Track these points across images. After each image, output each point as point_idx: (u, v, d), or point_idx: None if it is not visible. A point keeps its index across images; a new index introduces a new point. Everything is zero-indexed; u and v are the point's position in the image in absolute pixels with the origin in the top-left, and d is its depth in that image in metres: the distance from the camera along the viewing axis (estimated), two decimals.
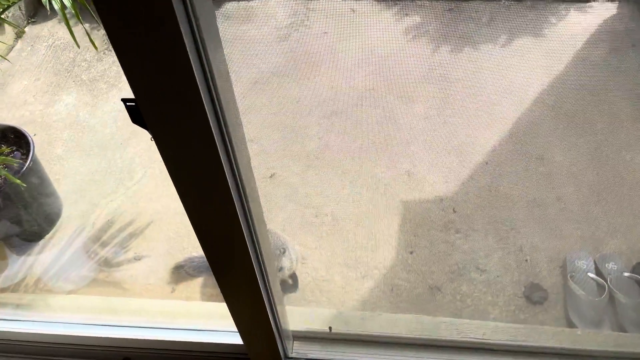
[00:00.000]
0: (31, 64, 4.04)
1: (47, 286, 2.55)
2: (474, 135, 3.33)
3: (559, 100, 3.44)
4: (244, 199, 1.14)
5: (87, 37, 2.19)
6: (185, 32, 0.76)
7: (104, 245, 2.79)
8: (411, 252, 2.83)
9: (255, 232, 1.25)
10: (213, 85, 0.91)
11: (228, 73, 1.01)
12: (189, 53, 0.78)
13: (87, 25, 3.71)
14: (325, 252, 2.85)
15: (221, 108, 0.96)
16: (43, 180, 2.80)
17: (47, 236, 2.80)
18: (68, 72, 3.90)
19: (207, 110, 0.90)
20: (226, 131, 0.99)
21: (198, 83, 0.84)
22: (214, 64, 0.89)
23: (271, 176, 3.18)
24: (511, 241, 2.82)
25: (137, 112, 0.96)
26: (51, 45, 4.18)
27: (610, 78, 3.52)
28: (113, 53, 2.38)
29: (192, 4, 0.77)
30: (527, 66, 3.66)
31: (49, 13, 4.29)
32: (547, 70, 3.59)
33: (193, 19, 0.78)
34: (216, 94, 0.93)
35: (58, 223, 2.87)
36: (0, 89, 3.85)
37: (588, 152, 3.18)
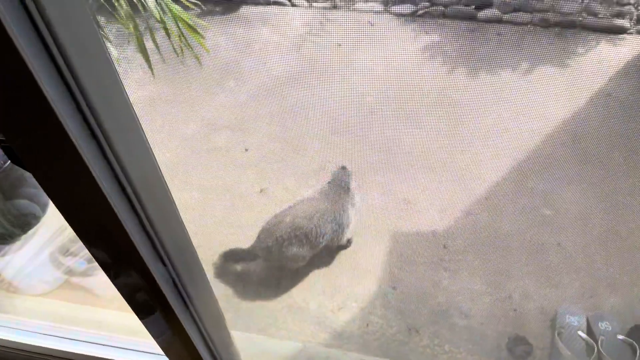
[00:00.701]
0: None
1: (17, 288, 2.53)
2: (480, 165, 3.16)
3: (576, 136, 3.24)
4: (151, 233, 1.04)
5: None
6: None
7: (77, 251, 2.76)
8: (394, 288, 2.69)
9: (169, 260, 1.14)
10: (93, 117, 0.80)
11: (122, 93, 0.89)
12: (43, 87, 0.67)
13: None
14: (305, 277, 2.75)
15: (109, 142, 0.85)
16: (25, 179, 2.78)
17: (24, 236, 2.78)
18: None
19: (82, 155, 0.80)
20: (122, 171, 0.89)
21: (63, 119, 0.73)
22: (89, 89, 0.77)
23: (261, 191, 3.09)
24: (501, 286, 2.65)
25: (12, 151, 0.87)
26: None
27: (635, 119, 3.29)
28: None
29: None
30: (546, 97, 3.45)
31: None
32: (568, 103, 3.38)
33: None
34: (98, 125, 0.81)
35: (39, 224, 2.85)
36: None
37: (598, 197, 2.97)
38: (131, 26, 2.15)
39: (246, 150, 3.28)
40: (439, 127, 3.34)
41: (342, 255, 2.82)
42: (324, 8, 4.09)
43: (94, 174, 0.82)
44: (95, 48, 0.77)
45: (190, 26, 2.35)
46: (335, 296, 2.66)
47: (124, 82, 0.86)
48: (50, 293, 2.62)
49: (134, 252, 1.00)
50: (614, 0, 3.85)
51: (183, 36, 2.32)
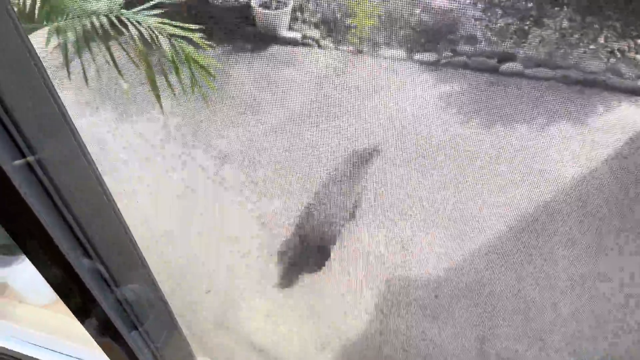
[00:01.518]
0: None
1: (24, 298, 2.69)
2: (483, 219, 3.15)
3: (586, 199, 3.18)
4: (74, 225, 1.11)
5: None
6: None
7: None
8: (380, 334, 2.70)
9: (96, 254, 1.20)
10: None
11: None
12: None
13: None
14: (292, 313, 2.79)
15: None
16: None
17: None
18: None
19: None
20: None
21: None
22: None
23: (263, 225, 3.19)
24: (488, 345, 2.61)
25: None
26: None
27: None
28: None
29: None
30: (561, 154, 3.42)
31: None
32: (582, 164, 3.33)
33: None
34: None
35: None
36: None
37: (601, 264, 2.90)
38: (144, 64, 2.32)
39: (255, 183, 3.39)
40: (447, 175, 3.36)
41: (332, 298, 2.85)
42: (349, 52, 4.21)
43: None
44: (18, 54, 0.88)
45: (202, 66, 2.51)
46: (318, 338, 2.69)
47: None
48: (55, 303, 2.77)
49: (51, 243, 1.07)
50: None
51: (194, 77, 2.48)
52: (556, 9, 4.13)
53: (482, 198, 3.22)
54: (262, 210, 3.25)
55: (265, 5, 4.27)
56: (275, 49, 4.31)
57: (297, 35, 4.31)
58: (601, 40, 3.93)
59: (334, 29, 4.36)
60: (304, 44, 4.31)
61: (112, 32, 2.32)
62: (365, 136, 3.58)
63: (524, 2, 4.27)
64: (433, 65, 4.03)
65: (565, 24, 4.02)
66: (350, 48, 4.23)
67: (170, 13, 4.10)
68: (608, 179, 3.28)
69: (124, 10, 2.42)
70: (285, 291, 2.90)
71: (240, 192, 3.35)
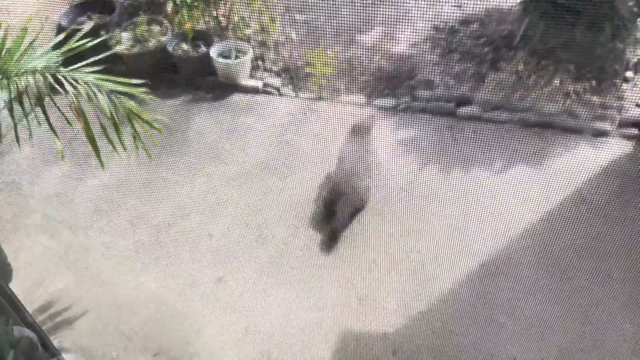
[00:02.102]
0: None
1: None
2: (441, 265, 3.08)
3: (545, 243, 3.14)
4: None
5: None
6: None
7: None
8: None
9: None
10: None
11: None
12: None
13: None
14: None
15: None
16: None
17: None
18: None
19: None
20: None
21: None
22: None
23: (218, 280, 3.08)
24: None
25: None
26: None
27: (609, 227, 3.18)
28: None
29: None
30: (519, 199, 3.39)
31: None
32: (541, 207, 3.30)
33: None
34: None
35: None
36: None
37: (563, 311, 2.83)
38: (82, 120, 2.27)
39: (210, 236, 3.31)
40: (404, 222, 3.31)
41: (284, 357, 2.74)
42: (310, 99, 4.22)
43: None
44: None
45: (145, 121, 2.46)
46: None
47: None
48: None
49: None
50: (597, 103, 3.85)
51: (136, 133, 2.42)
52: (511, 52, 4.20)
53: (438, 245, 3.16)
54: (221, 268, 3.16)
55: (224, 55, 4.28)
56: (236, 97, 4.30)
57: (258, 83, 4.32)
58: (556, 82, 3.98)
59: (294, 76, 4.38)
60: (265, 92, 4.31)
61: (46, 91, 2.28)
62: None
63: (480, 47, 4.35)
64: (392, 110, 4.04)
65: (521, 67, 4.08)
66: (311, 95, 4.24)
67: (118, 68, 4.10)
68: (568, 222, 3.25)
69: (62, 68, 2.38)
70: None
71: (195, 246, 3.26)
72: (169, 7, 4.21)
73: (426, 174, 3.56)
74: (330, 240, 3.23)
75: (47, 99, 2.29)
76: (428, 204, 3.39)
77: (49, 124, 2.26)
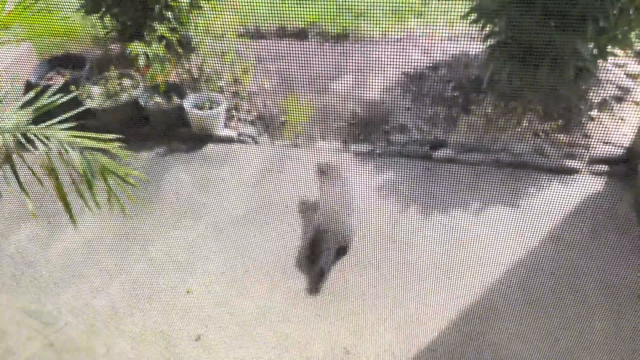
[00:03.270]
0: None
1: None
2: (426, 312, 3.03)
3: (524, 282, 3.13)
4: None
5: None
6: None
7: None
8: None
9: None
10: None
11: None
12: None
13: None
14: None
15: None
16: None
17: None
18: None
19: None
20: None
21: None
22: None
23: (197, 338, 2.96)
24: None
25: None
26: None
27: (584, 263, 3.20)
28: None
29: None
30: (496, 238, 3.40)
31: None
32: (518, 246, 3.32)
33: None
34: None
35: None
36: None
37: (547, 350, 2.80)
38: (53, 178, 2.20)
39: (188, 292, 3.20)
40: (388, 268, 3.27)
41: None
42: (286, 145, 4.22)
43: None
44: None
45: (119, 177, 2.40)
46: None
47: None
48: None
49: None
50: (565, 142, 3.95)
51: (111, 190, 2.36)
52: (480, 96, 4.32)
53: (422, 291, 3.12)
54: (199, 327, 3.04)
55: (198, 107, 4.28)
56: (210, 147, 4.27)
57: (232, 133, 4.31)
58: (525, 123, 4.09)
59: (269, 124, 4.40)
60: (240, 141, 4.30)
61: (15, 150, 2.21)
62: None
63: (449, 91, 4.46)
64: (369, 155, 4.07)
65: (490, 109, 4.19)
66: (286, 142, 4.25)
67: (89, 124, 4.05)
68: (545, 261, 3.26)
69: (31, 126, 2.32)
70: None
71: (172, 304, 3.14)
72: (141, 61, 4.21)
73: (406, 217, 3.55)
74: (316, 282, 3.17)
75: (16, 156, 2.22)
76: (410, 247, 3.37)
77: (19, 183, 2.18)
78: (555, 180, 3.73)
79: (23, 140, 2.24)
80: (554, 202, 3.55)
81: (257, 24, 5.38)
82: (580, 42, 3.59)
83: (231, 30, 4.90)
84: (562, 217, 3.43)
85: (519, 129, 4.05)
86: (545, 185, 3.70)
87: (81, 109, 2.74)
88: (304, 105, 4.40)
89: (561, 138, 3.97)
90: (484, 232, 3.42)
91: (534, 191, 3.66)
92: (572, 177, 3.75)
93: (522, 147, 3.93)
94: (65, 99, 2.54)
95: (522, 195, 3.64)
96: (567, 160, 3.83)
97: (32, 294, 3.22)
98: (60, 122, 2.42)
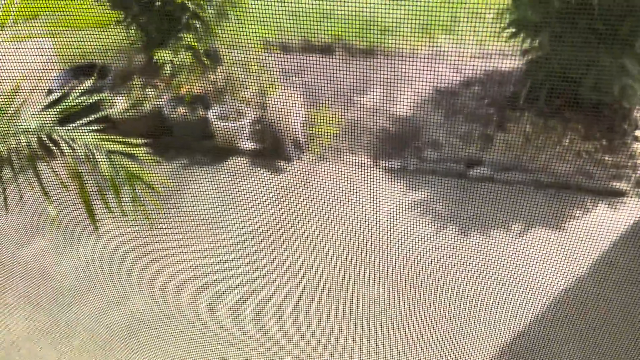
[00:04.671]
0: None
1: None
2: (467, 338, 2.80)
3: (575, 311, 2.90)
4: None
5: None
6: None
7: None
8: None
9: None
10: None
11: None
12: None
13: None
14: None
15: None
16: None
17: None
18: None
19: None
20: None
21: None
22: None
23: None
24: None
25: None
26: None
27: (637, 291, 2.96)
28: None
29: None
30: (542, 262, 3.17)
31: None
32: (563, 269, 3.08)
33: None
34: None
35: None
36: None
37: None
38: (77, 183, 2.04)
39: (210, 310, 3.00)
40: (426, 291, 3.05)
41: None
42: (312, 160, 4.05)
43: None
44: None
45: (145, 184, 2.23)
46: None
47: None
48: None
49: None
50: (610, 163, 3.74)
51: (136, 196, 2.19)
52: (517, 113, 4.13)
53: (461, 315, 2.89)
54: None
55: (223, 118, 4.13)
56: (234, 160, 4.11)
57: (257, 146, 4.15)
58: (566, 142, 3.89)
59: (296, 138, 4.23)
60: (265, 155, 4.14)
61: (39, 152, 2.06)
62: (334, 251, 3.29)
63: (484, 108, 4.28)
64: (400, 172, 3.88)
65: (528, 127, 4.00)
66: (313, 156, 4.08)
67: (115, 128, 3.91)
68: (597, 287, 3.02)
69: (57, 127, 2.17)
70: None
71: (194, 322, 2.94)
72: (167, 70, 4.09)
73: (443, 238, 3.34)
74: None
75: (40, 160, 2.06)
76: (447, 271, 3.15)
77: (42, 186, 2.02)
78: (601, 203, 3.51)
79: (48, 142, 2.09)
80: (601, 225, 3.32)
81: (283, 39, 5.27)
82: (627, 58, 3.41)
83: (257, 42, 4.79)
84: (613, 241, 3.20)
85: (560, 148, 3.85)
86: (590, 208, 3.48)
87: (104, 113, 2.59)
88: (331, 118, 4.25)
89: (605, 159, 3.76)
90: (527, 255, 3.20)
91: (580, 214, 3.43)
92: (619, 199, 3.53)
93: (563, 168, 3.72)
94: (90, 100, 2.39)
95: (566, 217, 3.42)
96: (613, 182, 3.61)
97: (47, 307, 3.04)
98: (85, 125, 2.27)
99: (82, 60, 4.60)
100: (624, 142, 3.86)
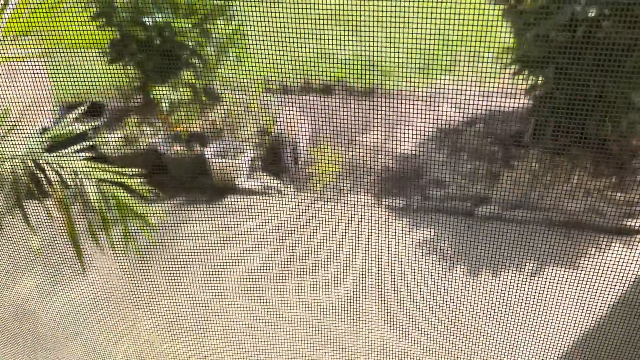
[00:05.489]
0: None
1: None
2: None
3: (591, 351, 2.69)
4: None
5: None
6: None
7: None
8: None
9: None
10: None
11: None
12: None
13: None
14: None
15: None
16: None
17: None
18: None
19: None
20: None
21: None
22: None
23: None
24: None
25: None
26: None
27: None
28: None
29: None
30: (560, 304, 2.99)
31: None
32: (582, 311, 2.89)
33: None
34: None
35: None
36: None
37: None
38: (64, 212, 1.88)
39: (205, 358, 2.77)
40: (435, 335, 2.84)
41: None
42: (312, 198, 3.91)
43: None
44: None
45: (138, 216, 2.08)
46: None
47: None
48: None
49: None
50: (622, 201, 3.62)
51: (127, 230, 2.03)
52: (522, 150, 4.04)
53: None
54: None
55: (221, 155, 4.02)
56: (232, 199, 3.96)
57: (255, 184, 4.02)
58: (574, 179, 3.78)
59: (295, 176, 4.11)
60: (264, 193, 4.00)
61: (25, 179, 1.91)
62: (336, 294, 3.09)
63: (488, 146, 4.19)
64: (404, 211, 3.74)
65: (535, 165, 3.89)
66: (313, 195, 3.94)
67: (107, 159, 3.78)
68: (620, 330, 2.83)
69: (46, 154, 2.03)
70: None
71: None
72: (164, 107, 4.00)
73: (452, 277, 3.16)
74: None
75: (25, 187, 1.91)
76: (457, 312, 2.95)
77: (24, 216, 1.86)
78: (616, 241, 3.36)
79: (35, 169, 1.94)
80: (619, 264, 3.16)
81: (284, 79, 5.24)
82: (634, 93, 3.35)
83: (257, 81, 4.74)
84: (630, 281, 3.03)
85: (569, 186, 3.73)
86: (605, 246, 3.33)
87: (96, 142, 2.47)
88: (332, 156, 4.14)
89: (616, 196, 3.64)
90: (543, 295, 3.01)
91: (594, 252, 3.28)
92: (634, 237, 3.38)
93: (573, 206, 3.59)
94: (82, 130, 2.27)
95: (581, 256, 3.26)
96: (627, 220, 3.47)
97: (30, 352, 2.80)
98: (76, 151, 2.13)
99: (77, 99, 4.53)
100: (634, 180, 3.75)
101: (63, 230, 1.99)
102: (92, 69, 4.27)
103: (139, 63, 4.42)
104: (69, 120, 4.29)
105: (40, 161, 1.97)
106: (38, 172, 1.94)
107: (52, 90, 4.48)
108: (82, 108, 2.34)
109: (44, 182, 1.94)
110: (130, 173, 2.16)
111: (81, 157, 2.09)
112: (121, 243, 2.10)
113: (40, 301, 3.11)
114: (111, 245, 1.99)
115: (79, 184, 1.95)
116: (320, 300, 3.10)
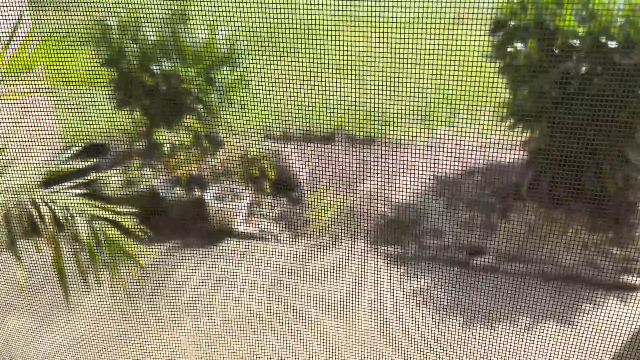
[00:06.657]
0: None
1: None
2: None
3: None
4: None
5: None
6: None
7: None
8: None
9: None
10: None
11: None
12: None
13: None
14: None
15: None
16: None
17: None
18: None
19: None
20: None
21: None
22: None
23: None
24: None
25: None
26: None
27: None
28: None
29: None
30: (552, 357, 2.92)
31: None
32: None
33: None
34: None
35: None
36: None
37: None
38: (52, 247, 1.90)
39: None
40: None
41: None
42: (308, 245, 3.91)
43: None
44: None
45: (126, 253, 2.09)
46: None
47: None
48: None
49: None
50: (619, 255, 3.59)
51: (115, 267, 2.04)
52: (519, 203, 4.05)
53: None
54: None
55: (219, 199, 4.05)
56: (229, 243, 3.97)
57: (253, 229, 4.03)
58: (571, 233, 3.76)
59: (292, 221, 4.12)
60: (261, 238, 4.00)
61: (18, 213, 1.94)
62: (332, 344, 3.04)
63: (485, 197, 4.21)
64: (399, 259, 3.72)
65: (532, 217, 3.90)
66: (310, 241, 3.94)
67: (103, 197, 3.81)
68: None
69: (39, 190, 2.07)
70: None
71: None
72: (166, 150, 4.08)
73: (446, 329, 3.11)
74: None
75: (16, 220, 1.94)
76: None
77: (14, 245, 1.88)
78: (612, 297, 3.31)
79: (28, 204, 1.98)
80: (614, 321, 3.10)
81: (286, 127, 5.34)
82: (629, 149, 3.39)
83: (259, 128, 4.85)
84: (629, 340, 2.96)
85: (565, 239, 3.72)
86: (600, 302, 3.28)
87: (99, 179, 2.51)
88: (329, 204, 4.16)
89: (613, 251, 3.61)
90: (537, 351, 2.95)
91: (590, 307, 3.23)
92: (630, 293, 3.33)
93: (569, 259, 3.57)
94: (81, 166, 2.32)
95: (576, 311, 3.21)
96: (623, 276, 3.43)
97: None
98: (70, 187, 2.18)
99: (83, 142, 4.62)
100: (631, 235, 3.73)
101: (51, 266, 2.01)
102: (99, 109, 4.40)
103: (144, 107, 4.54)
104: (66, 156, 4.38)
105: (35, 197, 2.01)
106: (31, 207, 1.98)
107: (57, 127, 4.60)
108: (81, 145, 2.40)
109: (37, 218, 1.97)
110: (124, 211, 2.19)
111: (74, 194, 2.13)
112: (109, 281, 2.10)
113: (26, 343, 3.08)
114: (98, 282, 1.99)
115: (69, 219, 1.98)
116: (313, 348, 3.05)
